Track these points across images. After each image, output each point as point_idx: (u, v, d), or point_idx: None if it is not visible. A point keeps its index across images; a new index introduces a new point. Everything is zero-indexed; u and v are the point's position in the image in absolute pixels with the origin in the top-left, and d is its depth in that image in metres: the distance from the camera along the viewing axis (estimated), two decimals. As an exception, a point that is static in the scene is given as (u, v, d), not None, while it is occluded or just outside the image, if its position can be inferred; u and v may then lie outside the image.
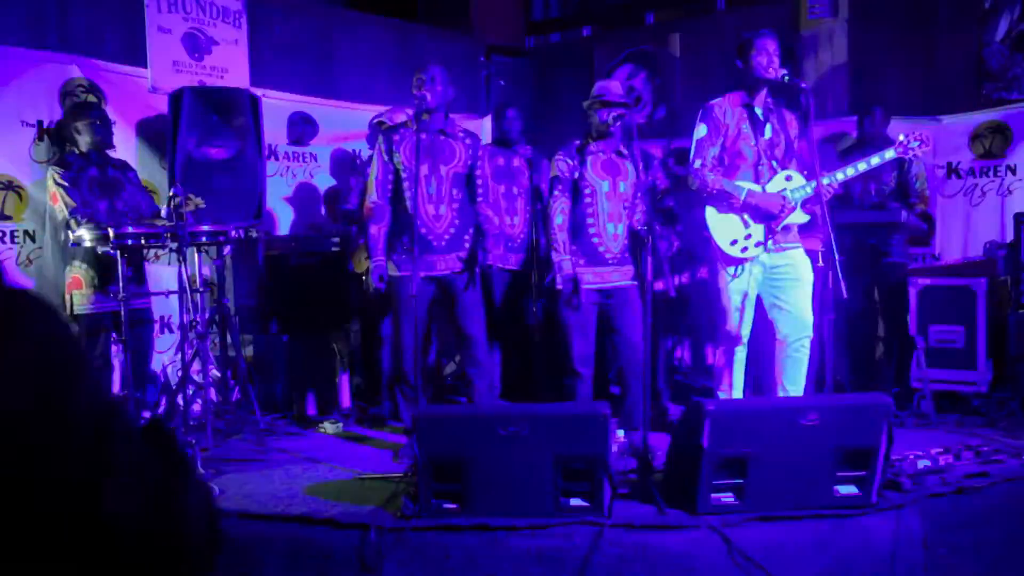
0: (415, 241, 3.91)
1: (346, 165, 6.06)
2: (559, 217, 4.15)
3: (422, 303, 4.09)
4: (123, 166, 4.74)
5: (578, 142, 4.22)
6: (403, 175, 4.17)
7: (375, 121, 5.39)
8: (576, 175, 4.14)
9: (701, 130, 4.07)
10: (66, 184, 4.40)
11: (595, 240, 4.11)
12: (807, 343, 4.03)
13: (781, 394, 4.07)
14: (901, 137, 4.04)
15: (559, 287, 4.10)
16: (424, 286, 4.09)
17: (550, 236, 4.19)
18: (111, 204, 4.54)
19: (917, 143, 4.01)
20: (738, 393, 4.10)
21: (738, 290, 4.02)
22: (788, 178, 3.99)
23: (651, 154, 4.48)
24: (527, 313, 4.77)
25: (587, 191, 4.12)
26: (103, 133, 4.55)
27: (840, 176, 3.99)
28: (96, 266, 4.45)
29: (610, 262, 4.11)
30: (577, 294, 4.06)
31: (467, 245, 4.23)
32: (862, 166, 4.02)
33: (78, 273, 4.48)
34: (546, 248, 4.48)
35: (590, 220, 4.11)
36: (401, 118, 5.05)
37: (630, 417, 4.05)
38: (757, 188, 3.98)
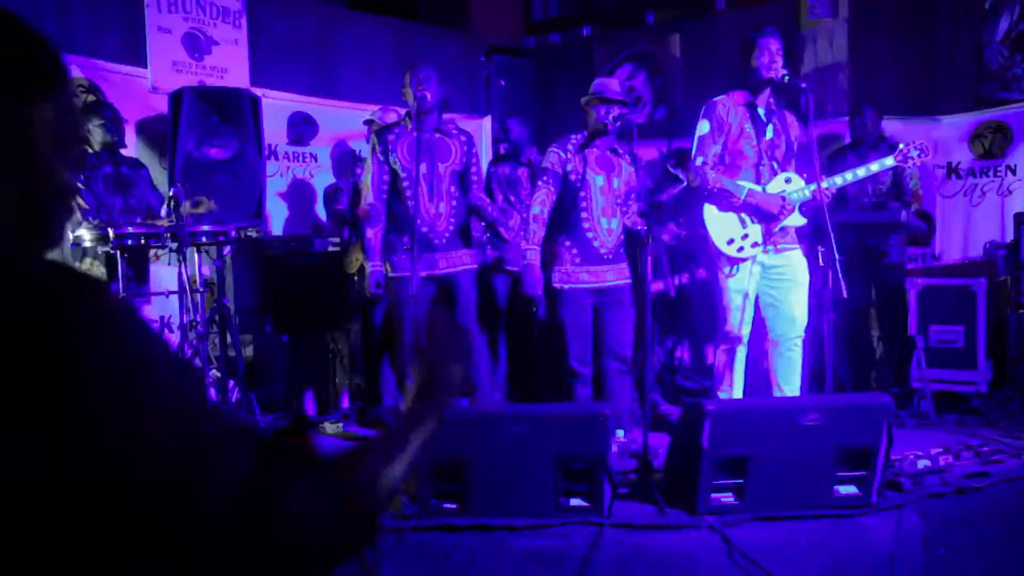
0: (416, 241, 3.90)
1: (346, 165, 6.06)
2: (537, 207, 4.08)
3: (423, 303, 4.08)
4: (136, 164, 4.77)
5: (574, 136, 4.19)
6: (401, 175, 4.14)
7: (365, 120, 5.39)
8: (569, 168, 4.10)
9: (703, 127, 4.06)
10: (79, 186, 4.42)
11: (589, 235, 4.08)
12: (799, 343, 4.03)
13: (776, 394, 4.07)
14: (901, 146, 4.04)
15: (525, 288, 4.09)
16: (424, 286, 4.09)
17: (526, 225, 4.17)
18: (124, 201, 4.56)
19: (917, 152, 4.00)
20: (738, 393, 4.09)
21: (737, 289, 4.01)
22: (787, 180, 3.99)
23: (639, 156, 4.43)
24: (530, 313, 4.76)
25: (581, 186, 4.09)
26: (113, 132, 4.57)
27: (839, 180, 4.00)
28: (106, 263, 4.45)
29: (605, 259, 4.09)
30: (537, 295, 4.07)
31: (464, 242, 4.23)
32: (861, 172, 4.03)
33: (88, 269, 4.48)
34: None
35: (584, 215, 4.08)
36: (392, 118, 5.05)
37: (619, 415, 4.05)
38: (758, 188, 3.98)
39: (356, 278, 5.25)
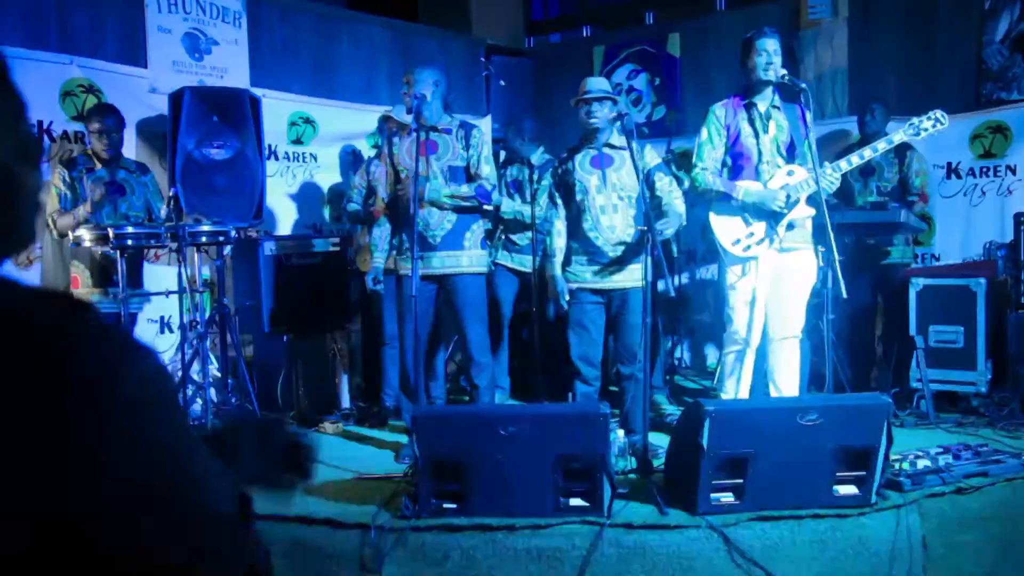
0: (414, 240, 3.90)
1: (348, 165, 6.07)
2: (550, 224, 4.22)
3: (424, 302, 4.09)
4: (138, 169, 4.75)
5: (571, 146, 4.25)
6: (402, 175, 4.18)
7: (381, 117, 5.40)
8: (567, 177, 4.15)
9: (703, 133, 4.10)
10: (62, 187, 4.42)
11: (592, 235, 4.08)
12: (796, 343, 4.03)
13: (773, 394, 4.06)
14: (913, 120, 4.02)
15: (561, 307, 4.16)
16: (425, 285, 4.09)
17: (545, 241, 4.25)
18: (115, 207, 4.55)
19: (932, 122, 3.98)
20: (743, 395, 4.08)
21: (744, 290, 4.01)
22: (790, 173, 3.98)
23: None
24: (537, 313, 4.74)
25: (578, 189, 4.11)
26: (108, 146, 4.54)
27: (844, 165, 3.98)
28: (92, 266, 4.45)
29: (610, 259, 4.09)
30: (576, 303, 4.09)
31: (467, 243, 4.21)
32: (867, 153, 4.01)
33: (76, 273, 4.49)
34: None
35: (585, 217, 4.09)
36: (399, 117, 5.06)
37: (629, 417, 4.05)
38: (757, 186, 3.98)
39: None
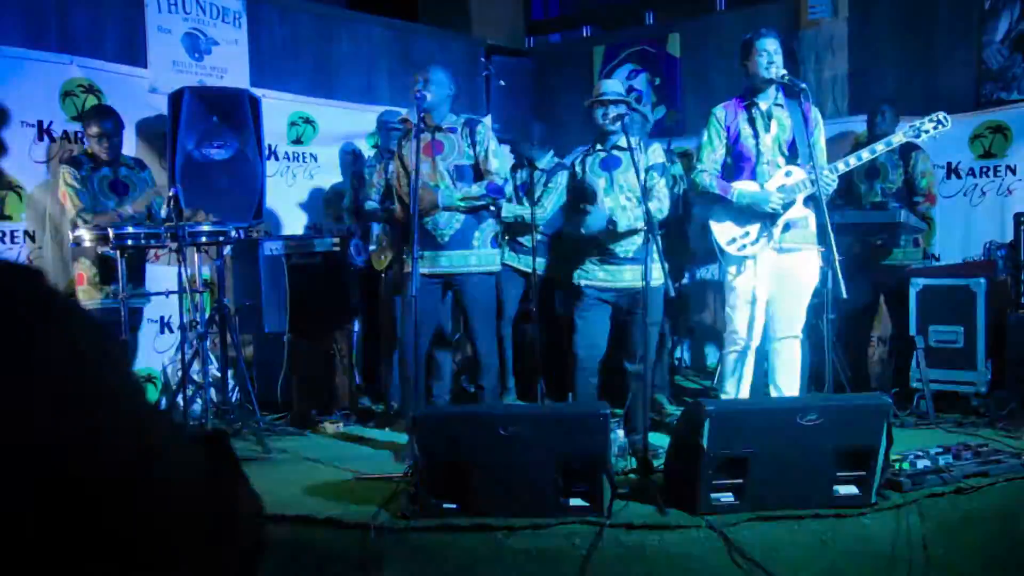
0: (419, 239, 3.90)
1: (348, 165, 6.06)
2: (567, 228, 4.31)
3: (430, 302, 4.09)
4: (137, 165, 4.77)
5: (583, 147, 4.26)
6: (411, 175, 4.16)
7: (400, 119, 5.41)
8: (578, 179, 4.18)
9: (704, 136, 4.12)
10: (76, 185, 4.43)
11: (602, 236, 4.10)
12: (795, 343, 4.03)
13: (773, 394, 4.06)
14: (916, 122, 4.01)
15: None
16: (428, 285, 4.09)
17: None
18: (120, 204, 4.57)
19: (933, 124, 3.96)
20: (743, 395, 4.08)
21: (744, 290, 4.01)
22: (787, 174, 3.98)
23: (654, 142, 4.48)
24: (539, 313, 4.74)
25: (588, 191, 4.13)
26: (108, 149, 4.55)
27: (842, 166, 3.97)
28: (98, 264, 4.47)
29: (621, 259, 4.10)
30: (584, 298, 4.13)
31: (475, 242, 4.20)
32: (866, 154, 4.01)
33: (82, 270, 4.51)
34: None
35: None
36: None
37: (630, 417, 4.05)
38: (752, 187, 3.98)
39: (384, 275, 5.26)
